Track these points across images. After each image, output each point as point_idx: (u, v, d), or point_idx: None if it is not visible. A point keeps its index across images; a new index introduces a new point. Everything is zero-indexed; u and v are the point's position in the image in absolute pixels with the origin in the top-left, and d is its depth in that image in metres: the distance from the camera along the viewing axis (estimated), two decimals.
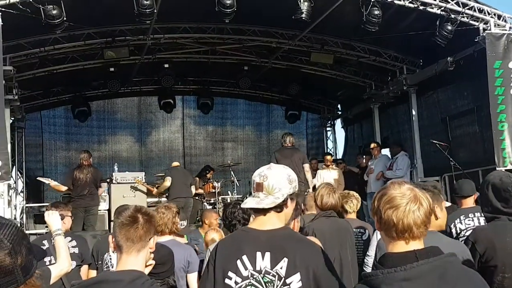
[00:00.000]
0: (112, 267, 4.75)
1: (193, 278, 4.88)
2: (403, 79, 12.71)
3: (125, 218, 2.54)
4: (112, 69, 13.03)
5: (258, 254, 2.56)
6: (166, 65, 13.63)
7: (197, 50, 13.36)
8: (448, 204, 6.15)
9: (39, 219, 11.27)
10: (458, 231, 4.74)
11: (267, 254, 2.56)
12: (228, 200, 11.80)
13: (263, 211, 2.66)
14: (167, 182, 10.77)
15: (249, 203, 2.67)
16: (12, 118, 12.80)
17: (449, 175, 10.70)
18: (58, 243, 3.73)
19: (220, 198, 11.98)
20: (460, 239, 4.52)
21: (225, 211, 4.54)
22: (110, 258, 4.47)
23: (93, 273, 5.12)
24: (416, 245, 2.04)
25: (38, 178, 11.82)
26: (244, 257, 2.57)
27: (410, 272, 1.92)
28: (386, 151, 12.71)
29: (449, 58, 10.78)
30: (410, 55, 12.73)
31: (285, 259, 2.54)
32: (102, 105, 15.94)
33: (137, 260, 2.50)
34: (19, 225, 4.12)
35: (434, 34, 9.87)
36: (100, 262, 4.88)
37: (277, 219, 2.68)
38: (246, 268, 2.55)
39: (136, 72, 13.99)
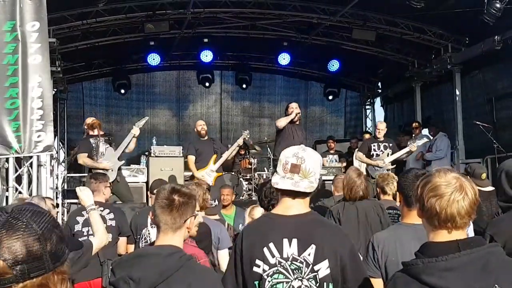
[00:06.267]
0: (151, 242, 4.80)
1: (223, 254, 4.89)
2: (447, 58, 12.32)
3: (161, 200, 2.57)
4: (152, 42, 13.09)
5: (285, 241, 2.53)
6: (206, 40, 13.60)
7: (237, 25, 13.25)
8: (491, 188, 5.97)
9: (69, 194, 11.30)
10: None
11: (294, 241, 2.52)
12: (264, 176, 11.80)
13: (294, 194, 2.60)
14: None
15: (284, 184, 2.58)
16: (55, 90, 13.06)
17: (492, 158, 10.41)
18: (94, 217, 3.82)
19: (256, 174, 12.00)
20: None
21: (262, 191, 4.44)
22: (149, 233, 4.52)
23: (131, 248, 5.19)
24: (458, 235, 1.98)
25: None
26: (271, 245, 2.53)
27: (452, 262, 1.88)
28: (426, 132, 12.45)
29: (496, 37, 10.37)
30: (456, 33, 12.29)
31: (313, 246, 2.50)
32: (141, 78, 16.07)
33: (173, 238, 2.55)
34: (55, 216, 4.23)
35: (482, 12, 9.48)
36: (138, 236, 4.93)
37: (304, 204, 2.64)
38: (273, 256, 2.52)
39: (176, 46, 14.02)
